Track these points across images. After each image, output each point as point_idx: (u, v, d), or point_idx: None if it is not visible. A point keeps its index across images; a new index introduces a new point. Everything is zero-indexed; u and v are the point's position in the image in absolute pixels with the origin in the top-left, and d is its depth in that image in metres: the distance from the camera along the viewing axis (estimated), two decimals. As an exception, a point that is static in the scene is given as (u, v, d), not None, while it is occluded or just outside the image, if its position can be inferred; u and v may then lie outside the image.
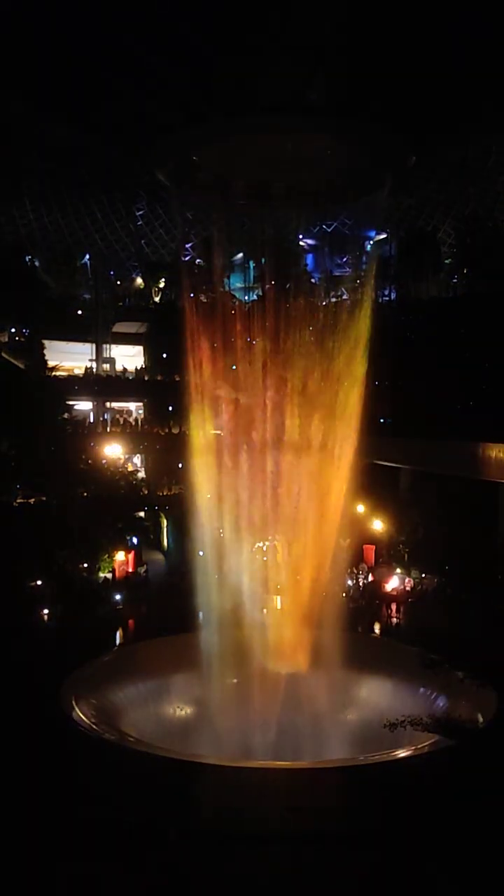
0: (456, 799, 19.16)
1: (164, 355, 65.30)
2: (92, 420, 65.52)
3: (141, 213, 75.94)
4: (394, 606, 41.15)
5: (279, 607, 40.39)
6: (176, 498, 52.10)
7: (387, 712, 24.91)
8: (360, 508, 46.49)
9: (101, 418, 66.70)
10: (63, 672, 30.29)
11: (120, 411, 69.28)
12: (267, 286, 67.88)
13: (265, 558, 44.10)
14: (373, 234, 74.46)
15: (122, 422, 66.72)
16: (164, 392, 62.91)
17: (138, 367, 69.82)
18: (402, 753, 24.98)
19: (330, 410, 43.00)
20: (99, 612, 38.87)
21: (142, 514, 50.59)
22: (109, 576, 44.35)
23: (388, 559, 46.25)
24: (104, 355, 68.70)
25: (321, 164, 39.46)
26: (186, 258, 77.01)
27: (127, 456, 61.60)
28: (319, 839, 19.93)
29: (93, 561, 43.91)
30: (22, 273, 65.02)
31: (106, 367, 68.63)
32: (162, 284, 77.24)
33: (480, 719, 25.56)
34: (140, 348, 71.06)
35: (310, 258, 77.44)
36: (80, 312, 70.76)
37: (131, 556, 46.81)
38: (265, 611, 40.03)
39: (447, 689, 28.04)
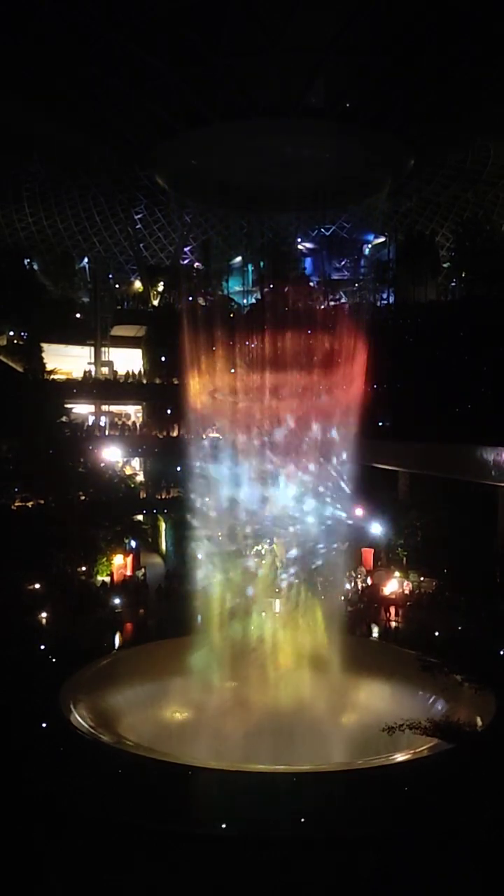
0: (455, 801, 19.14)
1: (163, 358, 65.29)
2: (90, 423, 65.46)
3: (140, 216, 75.95)
4: (392, 610, 41.06)
5: (277, 610, 40.46)
6: (174, 501, 52.05)
7: (385, 716, 24.87)
8: (359, 512, 46.52)
9: (100, 421, 66.65)
10: (61, 675, 30.23)
11: (119, 414, 69.26)
12: (265, 289, 68.20)
13: (264, 561, 44.17)
14: (371, 237, 74.62)
15: (120, 425, 66.67)
16: (162, 395, 62.91)
17: (136, 371, 69.80)
18: (400, 757, 24.89)
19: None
20: (97, 615, 38.82)
21: (140, 517, 50.52)
22: (108, 579, 44.30)
23: (386, 562, 46.22)
24: (103, 358, 68.66)
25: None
26: (185, 261, 77.09)
27: (125, 459, 61.55)
28: (318, 843, 19.90)
29: (91, 564, 43.87)
30: (21, 276, 64.97)
31: (105, 370, 68.62)
32: (161, 288, 77.24)
33: (479, 722, 25.49)
34: (139, 351, 71.04)
35: (308, 262, 77.49)
36: (78, 316, 70.75)
37: (130, 559, 46.74)
38: (263, 614, 40.06)
39: (446, 692, 28.01)
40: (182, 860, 19.23)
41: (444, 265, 70.43)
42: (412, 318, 58.02)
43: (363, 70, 32.56)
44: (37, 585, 38.91)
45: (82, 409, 65.35)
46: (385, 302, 67.80)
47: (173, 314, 60.10)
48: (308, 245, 77.55)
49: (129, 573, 46.24)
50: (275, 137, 36.58)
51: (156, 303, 76.53)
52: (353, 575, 44.68)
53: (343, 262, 76.90)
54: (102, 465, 53.78)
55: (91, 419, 66.24)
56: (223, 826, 20.45)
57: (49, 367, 60.17)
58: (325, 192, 42.94)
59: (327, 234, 75.89)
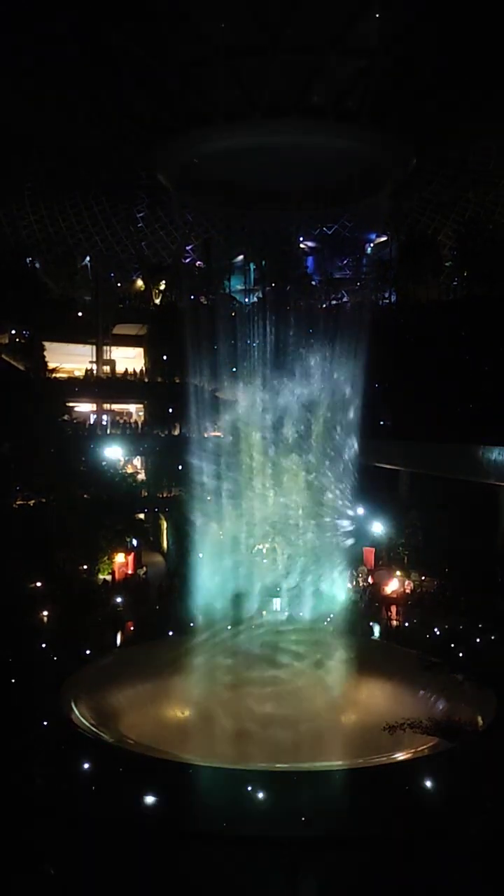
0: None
1: (165, 357, 65.34)
2: (92, 422, 65.50)
3: (142, 214, 75.91)
4: (393, 609, 41.08)
5: (278, 609, 40.52)
6: (176, 500, 52.11)
7: (386, 715, 24.91)
8: (360, 511, 46.56)
9: (101, 420, 66.69)
10: (62, 674, 30.29)
11: (120, 413, 69.29)
12: (267, 288, 68.23)
13: (265, 560, 44.23)
14: (373, 236, 74.54)
15: (122, 423, 66.71)
16: (164, 394, 62.96)
17: (138, 370, 69.88)
18: (401, 756, 24.93)
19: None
20: (98, 613, 38.82)
21: (141, 515, 50.53)
22: (109, 578, 44.34)
23: (387, 561, 46.26)
24: (104, 357, 68.68)
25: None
26: (186, 260, 77.02)
27: (127, 458, 61.59)
28: (318, 841, 19.94)
29: (92, 563, 43.89)
30: (23, 275, 64.97)
31: (106, 368, 68.64)
32: (162, 286, 77.21)
33: (480, 722, 25.52)
34: (140, 350, 71.07)
35: (310, 261, 77.40)
36: (80, 314, 70.77)
37: (131, 557, 46.80)
38: (264, 613, 40.12)
39: (447, 691, 28.03)
40: (182, 858, 19.30)
41: (447, 264, 70.38)
42: (413, 318, 58.03)
43: (364, 70, 32.56)
44: (38, 584, 38.91)
45: (84, 408, 65.38)
46: (387, 301, 67.74)
47: (175, 313, 60.11)
48: (310, 244, 77.46)
49: (130, 571, 46.32)
50: (276, 136, 36.60)
51: (157, 301, 76.51)
52: (355, 574, 44.71)
53: (345, 262, 76.78)
54: (104, 463, 53.77)
55: (93, 418, 66.30)
56: (223, 824, 20.52)
57: (51, 365, 60.23)
58: (327, 191, 43.03)
59: (329, 232, 75.76)
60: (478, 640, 29.48)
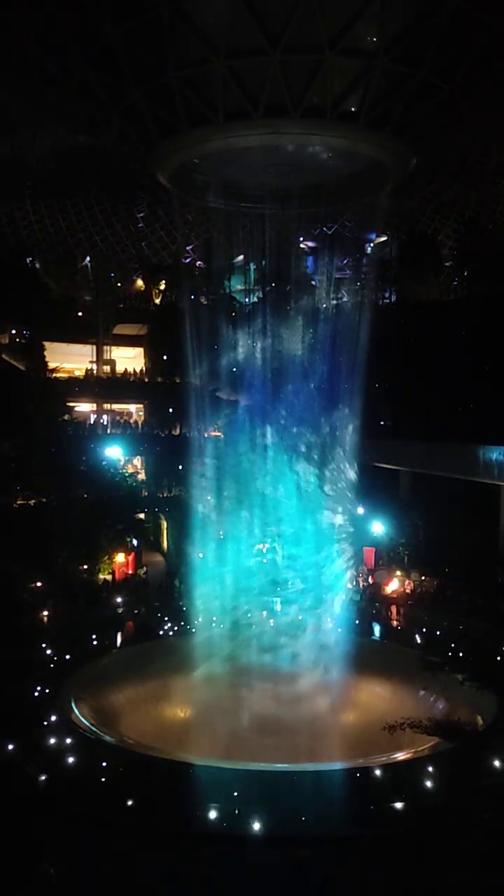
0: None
1: (165, 357, 65.41)
2: (92, 421, 65.56)
3: (142, 214, 75.94)
4: (394, 609, 41.11)
5: (278, 610, 40.44)
6: (176, 500, 52.13)
7: (386, 715, 24.92)
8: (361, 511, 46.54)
9: (102, 420, 66.76)
10: (62, 674, 30.30)
11: (120, 413, 69.36)
12: (267, 288, 68.22)
13: (265, 560, 44.14)
14: (373, 236, 74.55)
15: (122, 423, 66.78)
16: (164, 394, 63.03)
17: (138, 370, 69.94)
18: (401, 756, 24.93)
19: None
20: (98, 613, 38.86)
21: (142, 515, 50.59)
22: (109, 577, 44.37)
23: (388, 561, 46.27)
24: (104, 357, 68.75)
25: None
26: (187, 260, 77.06)
27: (127, 457, 61.64)
28: (319, 841, 19.94)
29: (93, 562, 43.94)
30: (23, 274, 65.01)
31: (106, 368, 68.70)
32: (163, 286, 77.29)
33: (480, 722, 25.54)
34: (140, 350, 71.14)
35: (310, 260, 77.40)
36: (80, 314, 70.85)
37: (131, 557, 46.82)
38: (265, 613, 40.07)
39: (447, 691, 28.06)
40: (182, 858, 19.29)
41: (447, 264, 70.38)
42: (413, 318, 58.06)
43: (365, 71, 32.46)
44: (38, 584, 38.95)
45: (84, 408, 65.44)
46: (387, 301, 67.76)
47: (175, 313, 60.21)
48: (310, 244, 77.45)
49: (130, 571, 46.34)
50: (278, 137, 36.52)
51: (157, 301, 76.56)
52: (355, 574, 44.71)
53: (345, 261, 76.82)
54: (104, 463, 53.84)
55: (93, 417, 66.35)
56: (223, 824, 20.51)
57: (51, 365, 60.28)
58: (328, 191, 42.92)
59: (329, 232, 75.75)
60: (478, 639, 29.54)
